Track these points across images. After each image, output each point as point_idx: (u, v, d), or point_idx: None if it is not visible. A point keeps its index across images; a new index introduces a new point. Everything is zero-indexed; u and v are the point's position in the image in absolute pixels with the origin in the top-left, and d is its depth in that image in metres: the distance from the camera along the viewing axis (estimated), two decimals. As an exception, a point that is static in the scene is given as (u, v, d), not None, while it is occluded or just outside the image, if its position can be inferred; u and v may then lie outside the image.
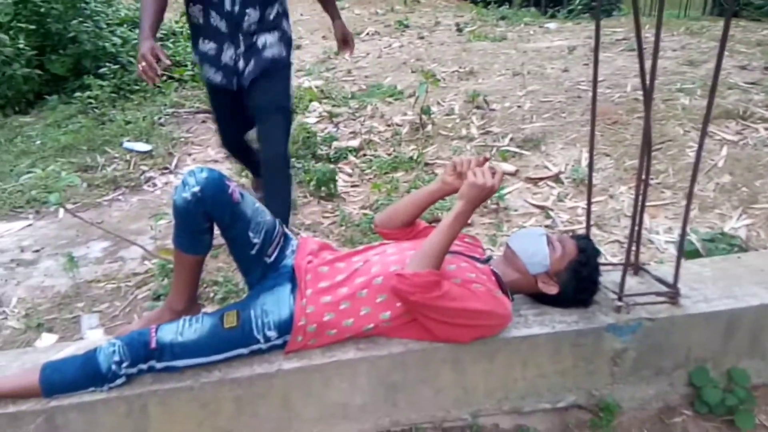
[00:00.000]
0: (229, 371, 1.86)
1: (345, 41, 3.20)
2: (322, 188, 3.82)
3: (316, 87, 6.06)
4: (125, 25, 7.11)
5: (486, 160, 1.92)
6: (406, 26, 8.99)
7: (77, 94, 5.91)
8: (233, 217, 1.88)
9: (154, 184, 4.21)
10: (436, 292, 1.75)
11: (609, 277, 2.08)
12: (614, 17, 8.93)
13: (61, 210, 3.79)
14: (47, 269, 3.17)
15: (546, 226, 3.27)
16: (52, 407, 1.79)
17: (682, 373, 2.02)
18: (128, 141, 4.85)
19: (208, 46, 2.78)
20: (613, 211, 3.31)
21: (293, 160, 4.13)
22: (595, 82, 1.96)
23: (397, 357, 1.92)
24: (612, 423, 2.00)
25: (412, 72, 6.35)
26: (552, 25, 8.31)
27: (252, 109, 2.87)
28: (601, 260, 2.08)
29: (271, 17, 2.79)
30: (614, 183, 3.57)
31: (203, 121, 5.37)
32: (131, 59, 6.34)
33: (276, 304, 1.88)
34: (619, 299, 1.95)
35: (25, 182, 4.23)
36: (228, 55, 2.77)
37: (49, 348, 2.15)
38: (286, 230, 2.12)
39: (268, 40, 2.80)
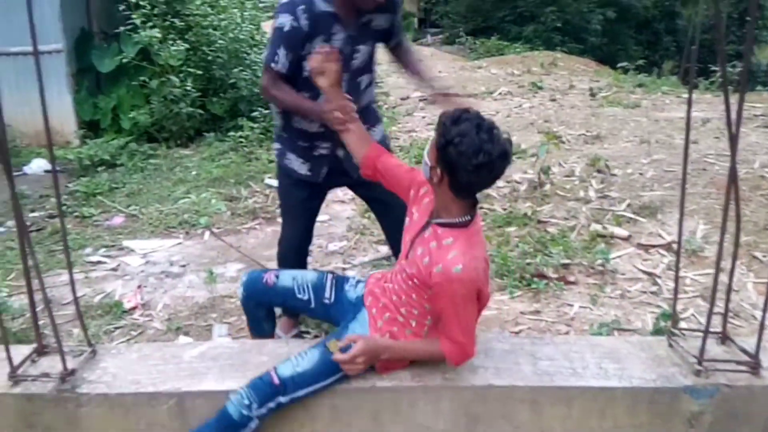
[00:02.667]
0: (341, 383, 2.12)
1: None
2: (438, 236, 4.06)
3: (444, 141, 6.37)
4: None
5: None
6: (540, 88, 9.18)
7: (231, 133, 6.64)
8: (277, 295, 2.32)
9: (287, 218, 4.66)
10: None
11: (694, 344, 2.15)
12: (756, 92, 8.63)
13: (207, 232, 4.32)
14: (190, 282, 3.63)
15: (651, 293, 3.31)
16: (183, 392, 2.14)
17: (759, 442, 2.04)
18: (269, 178, 5.38)
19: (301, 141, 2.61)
20: (721, 284, 3.29)
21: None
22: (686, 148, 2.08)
23: (479, 390, 2.11)
24: (687, 484, 2.05)
25: (539, 132, 6.52)
26: (690, 95, 8.18)
27: (381, 217, 2.91)
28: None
29: (362, 102, 2.59)
30: (726, 257, 3.53)
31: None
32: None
33: (362, 328, 2.15)
34: (699, 363, 2.02)
35: (179, 206, 4.84)
36: (324, 146, 2.60)
37: (186, 345, 2.53)
38: (339, 274, 2.42)
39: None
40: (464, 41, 17.85)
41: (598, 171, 5.06)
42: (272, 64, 2.40)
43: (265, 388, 2.00)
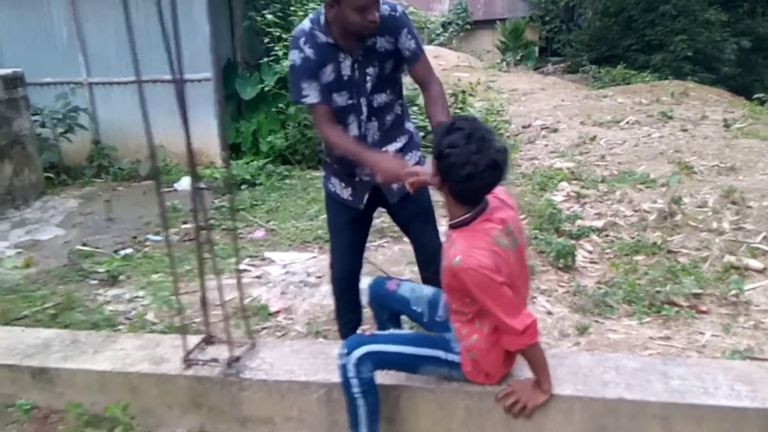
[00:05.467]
0: (464, 385, 2.28)
1: None
2: (561, 260, 4.12)
3: (568, 168, 6.40)
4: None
5: None
6: (670, 117, 8.92)
7: (359, 156, 6.98)
8: (396, 302, 2.49)
9: (414, 238, 4.87)
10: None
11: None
12: None
13: (340, 248, 4.61)
14: (326, 292, 3.90)
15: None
16: (331, 383, 2.36)
17: None
18: (396, 199, 5.62)
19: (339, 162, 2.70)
20: None
21: (537, 231, 4.53)
22: None
23: (610, 402, 2.19)
24: None
25: (669, 163, 6.38)
26: (836, 127, 7.70)
27: (414, 241, 2.91)
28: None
29: (389, 124, 2.67)
30: None
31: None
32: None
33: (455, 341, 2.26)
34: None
35: (313, 223, 5.19)
36: (365, 173, 2.63)
37: (332, 342, 2.77)
38: None
39: (396, 148, 2.67)
40: (588, 70, 17.56)
41: (733, 203, 4.92)
42: (303, 100, 2.50)
43: (356, 338, 2.23)
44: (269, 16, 7.05)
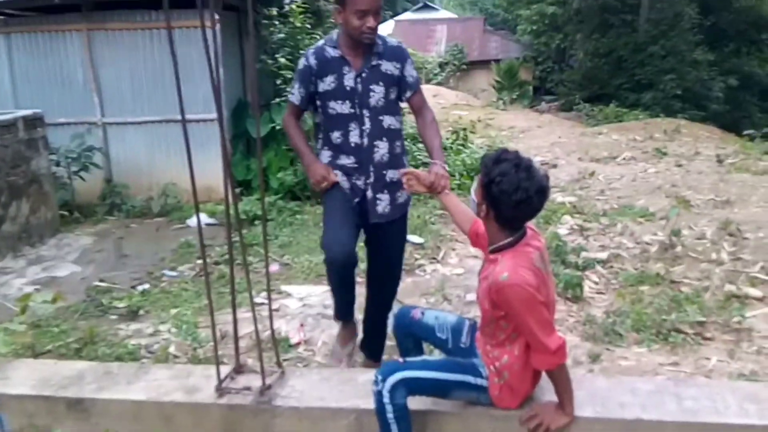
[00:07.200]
0: (490, 409, 2.40)
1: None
2: (569, 291, 4.27)
3: (570, 203, 6.59)
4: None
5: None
6: (664, 154, 9.19)
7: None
8: (421, 329, 2.60)
9: (424, 270, 5.02)
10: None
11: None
12: None
13: (353, 281, 4.74)
14: (343, 324, 4.03)
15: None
16: (361, 409, 2.48)
17: None
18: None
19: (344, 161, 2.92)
20: None
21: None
22: None
23: (629, 423, 2.32)
24: None
25: (666, 197, 6.59)
26: (826, 161, 7.95)
27: (370, 262, 3.23)
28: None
29: (397, 150, 2.96)
30: None
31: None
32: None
33: (483, 366, 2.38)
34: None
35: (324, 258, 5.32)
36: (360, 181, 2.92)
37: (358, 370, 2.89)
38: (475, 320, 2.60)
39: (395, 176, 2.92)
40: (581, 108, 17.98)
41: (730, 234, 5.10)
42: (289, 96, 3.00)
43: (390, 365, 2.33)
44: (282, 60, 7.29)
